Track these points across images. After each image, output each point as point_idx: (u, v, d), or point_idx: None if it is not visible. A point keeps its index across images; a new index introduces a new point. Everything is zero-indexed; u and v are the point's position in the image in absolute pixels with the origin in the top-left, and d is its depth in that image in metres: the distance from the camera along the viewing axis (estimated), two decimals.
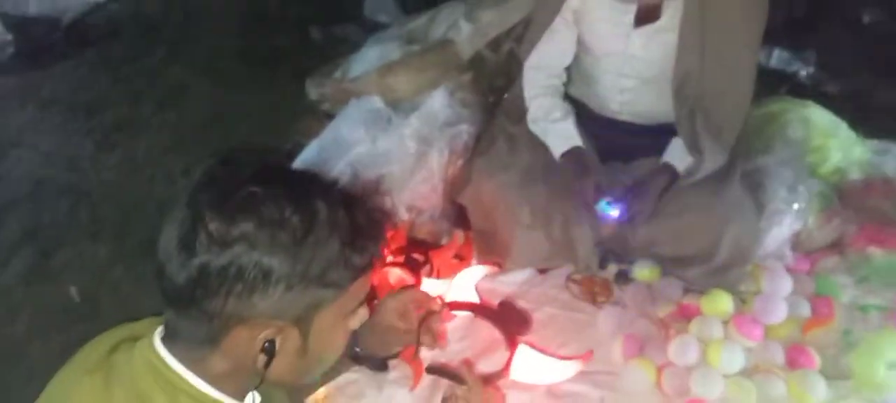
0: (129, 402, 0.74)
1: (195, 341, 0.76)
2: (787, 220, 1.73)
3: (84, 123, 2.72)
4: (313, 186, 0.77)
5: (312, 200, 0.74)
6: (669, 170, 1.69)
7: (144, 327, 0.82)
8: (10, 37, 3.06)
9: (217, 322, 0.73)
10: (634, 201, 1.66)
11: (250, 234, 0.70)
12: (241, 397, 0.83)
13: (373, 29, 2.71)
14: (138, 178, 2.43)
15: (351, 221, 0.75)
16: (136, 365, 0.77)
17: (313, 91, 2.33)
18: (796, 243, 1.77)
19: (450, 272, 1.79)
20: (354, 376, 1.58)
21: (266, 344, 0.75)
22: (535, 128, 1.80)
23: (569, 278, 1.80)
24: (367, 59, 2.25)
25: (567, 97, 1.85)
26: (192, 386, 0.76)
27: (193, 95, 2.81)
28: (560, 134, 1.76)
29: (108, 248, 2.14)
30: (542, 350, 1.59)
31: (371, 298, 1.72)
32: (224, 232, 0.70)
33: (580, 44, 1.76)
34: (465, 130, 1.95)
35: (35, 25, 3.16)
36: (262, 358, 0.76)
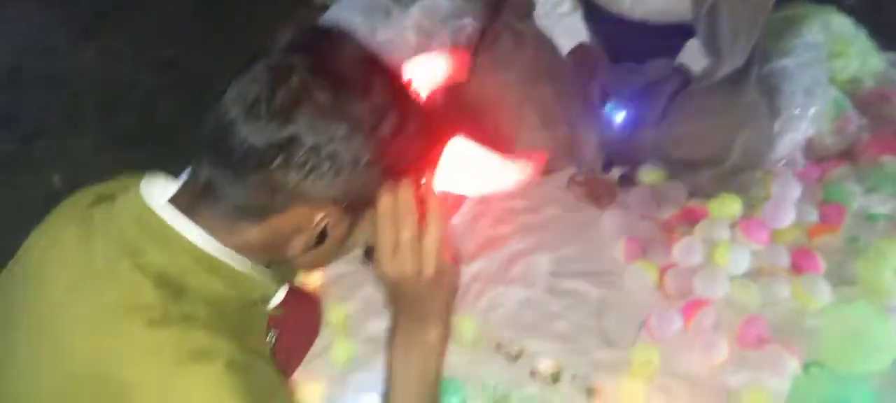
0: (113, 254, 0.69)
1: (241, 208, 0.69)
2: (803, 125, 1.68)
3: (58, 11, 2.58)
4: (410, 87, 0.73)
5: (411, 98, 0.71)
6: (684, 71, 1.62)
7: (117, 186, 0.76)
8: None
9: (281, 196, 0.67)
10: (643, 105, 1.60)
11: (359, 118, 0.65)
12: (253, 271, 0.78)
13: None
14: (121, 67, 2.32)
15: (440, 127, 0.73)
16: (122, 219, 0.71)
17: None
18: (808, 150, 1.73)
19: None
20: (351, 268, 1.54)
21: (322, 226, 0.70)
22: (541, 22, 1.72)
23: (572, 179, 1.75)
24: None
25: None
26: (189, 242, 0.70)
27: None
28: (567, 29, 1.68)
29: (91, 137, 2.06)
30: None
31: None
32: (334, 107, 0.64)
33: None
34: (469, 24, 1.86)
35: None
36: (311, 241, 0.71)
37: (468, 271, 1.55)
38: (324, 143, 0.65)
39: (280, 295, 0.82)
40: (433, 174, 0.76)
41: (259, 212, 0.69)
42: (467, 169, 0.81)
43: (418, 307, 0.78)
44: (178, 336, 0.65)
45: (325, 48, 0.69)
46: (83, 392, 0.66)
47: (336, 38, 0.72)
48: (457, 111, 1.43)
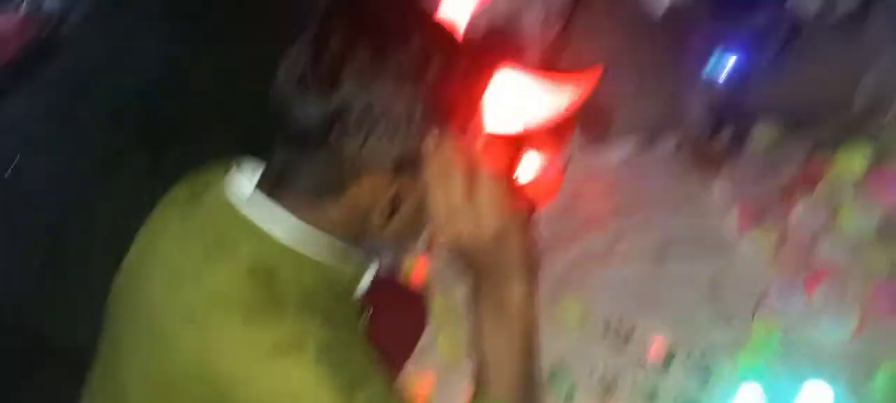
0: (206, 249, 0.70)
1: (317, 186, 0.69)
2: None
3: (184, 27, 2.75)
4: (453, 32, 0.70)
5: (453, 38, 0.68)
6: (794, 17, 1.50)
7: (210, 178, 0.77)
8: None
9: (348, 165, 0.66)
10: (753, 51, 1.49)
11: (400, 70, 0.64)
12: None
13: None
14: (239, 80, 2.44)
15: (490, 68, 0.71)
16: (212, 215, 0.72)
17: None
18: None
19: (547, 147, 1.70)
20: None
21: (394, 196, 0.69)
22: None
23: (678, 146, 1.67)
24: None
25: None
26: (275, 234, 0.70)
27: None
28: None
29: (217, 145, 2.20)
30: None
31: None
32: (375, 65, 0.63)
33: None
34: None
35: None
36: (386, 211, 0.70)
37: (572, 251, 1.53)
38: (374, 102, 0.63)
39: (368, 279, 0.81)
40: (479, 121, 0.72)
41: (335, 188, 0.69)
42: (516, 100, 0.75)
43: (491, 269, 0.70)
44: (270, 329, 0.66)
45: (360, 5, 0.68)
46: (189, 386, 0.68)
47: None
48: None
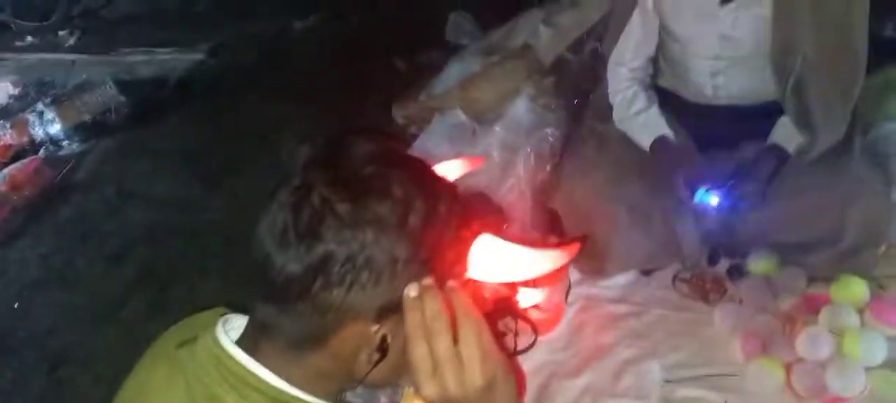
0: (197, 399, 0.69)
1: (296, 340, 0.69)
2: None
3: (191, 169, 2.86)
4: (429, 171, 0.73)
5: (434, 184, 0.70)
6: (778, 151, 1.55)
7: (200, 324, 0.77)
8: (123, 98, 3.28)
9: (331, 316, 0.66)
10: (739, 184, 1.53)
11: (383, 218, 0.64)
12: (333, 398, 0.76)
13: (455, 51, 2.71)
14: (242, 215, 2.49)
15: (469, 209, 0.71)
16: (201, 361, 0.71)
17: (399, 115, 2.34)
18: None
19: (547, 282, 1.71)
20: None
21: (381, 341, 0.68)
22: (621, 125, 1.71)
23: (676, 277, 1.68)
24: (449, 76, 2.25)
25: (658, 89, 1.75)
26: (263, 382, 0.69)
27: (290, 128, 2.89)
28: (645, 125, 1.67)
29: (215, 282, 2.21)
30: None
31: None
32: (355, 215, 0.64)
33: (665, 31, 1.66)
34: (551, 134, 1.88)
35: (145, 86, 3.39)
36: (374, 357, 0.69)
37: (575, 386, 1.50)
38: (356, 252, 0.63)
39: None
40: (460, 273, 0.73)
41: (317, 339, 0.68)
42: (497, 262, 0.75)
43: None
44: None
45: (339, 157, 0.68)
46: None
47: (350, 143, 0.70)
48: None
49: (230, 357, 0.70)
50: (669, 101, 1.72)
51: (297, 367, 0.70)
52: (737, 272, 1.65)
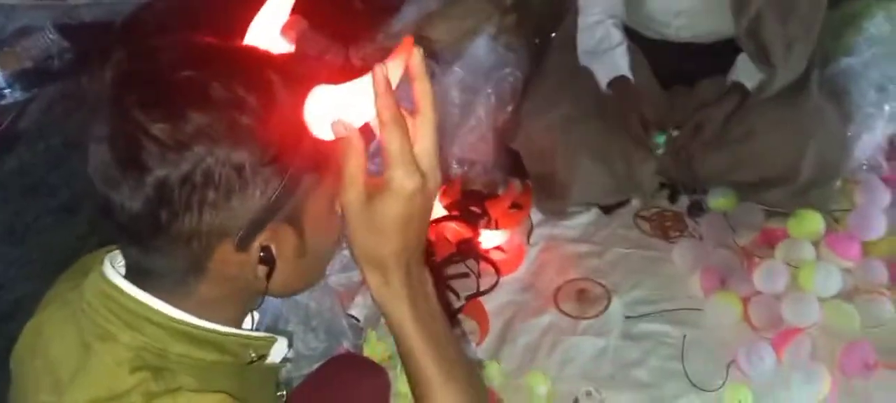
0: (86, 341, 0.64)
1: (175, 275, 0.63)
2: (880, 125, 1.55)
3: None
4: (256, 58, 0.63)
5: (262, 71, 0.60)
6: (738, 88, 1.55)
7: (90, 263, 0.70)
8: (66, 44, 3.13)
9: (196, 243, 0.60)
10: (699, 126, 1.53)
11: (208, 126, 0.56)
12: (239, 321, 0.72)
13: None
14: None
15: (311, 83, 0.60)
16: (89, 299, 0.65)
17: (356, 56, 2.27)
18: (891, 151, 1.60)
19: (508, 223, 1.70)
20: None
21: (262, 253, 0.62)
22: (583, 60, 1.68)
23: (637, 215, 1.68)
24: (407, 15, 2.17)
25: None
26: (159, 313, 0.64)
27: None
28: (606, 63, 1.64)
29: None
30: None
31: (428, 254, 1.69)
32: (175, 133, 0.56)
33: None
34: (511, 73, 1.84)
35: (90, 31, 3.24)
36: (262, 270, 0.63)
37: (537, 325, 1.51)
38: (190, 172, 0.56)
39: (281, 349, 0.75)
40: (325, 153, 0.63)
41: (195, 269, 0.63)
42: (338, 110, 0.66)
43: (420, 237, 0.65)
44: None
45: (148, 69, 0.59)
46: None
47: (158, 49, 0.61)
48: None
49: (120, 292, 0.64)
50: (631, 38, 1.69)
51: (189, 298, 0.65)
52: (696, 209, 1.66)
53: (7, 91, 3.05)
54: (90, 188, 0.60)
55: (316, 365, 1.34)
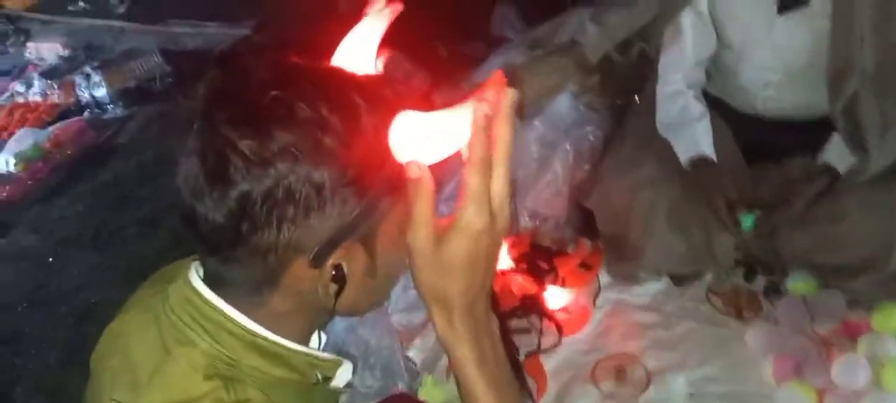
0: (167, 345, 0.67)
1: (250, 285, 0.66)
2: None
3: None
4: (343, 79, 0.65)
5: (348, 94, 0.62)
6: (829, 171, 1.50)
7: (176, 270, 0.74)
8: (168, 68, 3.34)
9: (273, 257, 0.62)
10: (783, 206, 1.48)
11: (292, 145, 0.58)
12: (306, 338, 0.73)
13: (499, 44, 2.67)
14: None
15: (396, 108, 0.63)
16: (173, 304, 0.69)
17: (438, 102, 2.32)
18: None
19: (576, 283, 1.68)
20: None
21: (334, 271, 0.64)
22: (663, 131, 1.66)
23: (710, 290, 1.63)
24: (491, 67, 2.21)
25: (707, 97, 1.70)
26: (237, 323, 0.67)
27: None
28: (686, 138, 1.61)
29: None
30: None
31: (494, 304, 1.68)
32: (261, 149, 0.58)
33: (717, 35, 1.61)
34: (592, 132, 1.84)
35: (190, 57, 3.44)
36: (332, 288, 0.64)
37: (596, 390, 1.47)
38: (273, 188, 0.59)
39: (346, 373, 0.77)
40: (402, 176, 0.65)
41: (269, 281, 0.65)
42: (425, 138, 0.65)
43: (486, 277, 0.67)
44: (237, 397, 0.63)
45: (239, 88, 0.62)
46: None
47: (248, 69, 0.64)
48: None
49: (203, 300, 0.67)
50: (716, 108, 1.67)
51: (260, 310, 0.67)
52: (774, 290, 1.59)
53: (110, 106, 3.26)
54: (175, 203, 0.64)
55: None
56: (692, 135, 1.60)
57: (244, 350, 0.67)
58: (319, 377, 0.73)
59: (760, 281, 1.63)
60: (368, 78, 0.68)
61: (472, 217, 0.62)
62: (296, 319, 0.70)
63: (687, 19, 1.60)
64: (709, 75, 1.70)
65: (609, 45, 2.02)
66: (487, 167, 0.61)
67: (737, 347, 1.51)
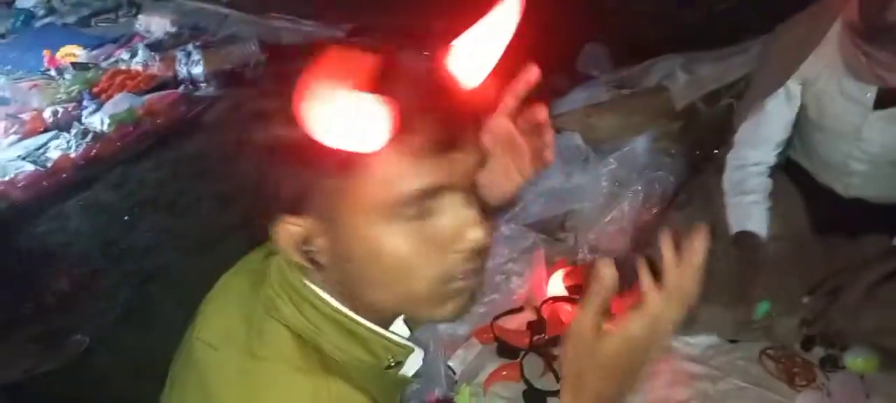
0: (263, 307, 0.71)
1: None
2: None
3: None
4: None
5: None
6: None
7: None
8: (263, 58, 3.49)
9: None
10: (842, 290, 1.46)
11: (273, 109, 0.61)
12: (386, 322, 0.75)
13: (582, 81, 2.68)
14: None
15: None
16: (271, 270, 0.73)
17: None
18: None
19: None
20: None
21: (304, 246, 0.66)
22: (726, 196, 1.63)
23: (764, 352, 1.59)
24: (575, 100, 2.23)
25: (789, 162, 1.67)
26: (319, 297, 0.70)
27: None
28: (741, 211, 1.59)
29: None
30: None
31: (538, 330, 1.67)
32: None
33: (807, 115, 1.56)
34: (664, 177, 1.84)
35: (286, 51, 3.58)
36: (304, 256, 0.66)
37: None
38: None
39: (416, 361, 0.78)
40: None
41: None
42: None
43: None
44: (320, 384, 0.65)
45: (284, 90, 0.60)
46: None
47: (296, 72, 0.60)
48: None
49: (293, 270, 0.70)
50: (796, 177, 1.64)
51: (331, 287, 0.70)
52: (830, 363, 1.54)
53: (203, 85, 3.43)
54: (250, 185, 0.67)
55: None
56: (746, 210, 1.58)
57: (325, 323, 0.70)
58: (391, 361, 0.75)
59: (818, 351, 1.58)
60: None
61: (637, 331, 0.66)
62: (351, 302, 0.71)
63: (773, 101, 1.57)
64: (794, 145, 1.66)
65: (696, 94, 2.02)
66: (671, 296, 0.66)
67: None
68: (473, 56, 0.70)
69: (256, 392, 0.66)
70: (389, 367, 0.75)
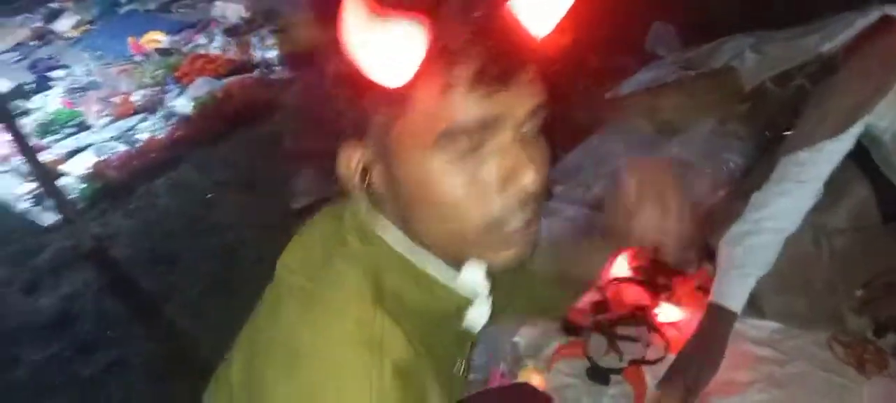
0: (335, 244, 0.73)
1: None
2: None
3: None
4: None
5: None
6: None
7: None
8: None
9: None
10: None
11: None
12: (454, 263, 0.75)
13: (650, 61, 2.65)
14: None
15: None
16: (346, 213, 0.75)
17: (580, 113, 2.35)
18: None
19: (691, 303, 1.67)
20: (572, 381, 1.57)
21: (363, 173, 0.69)
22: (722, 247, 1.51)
23: (834, 337, 1.57)
24: (640, 81, 2.22)
25: (859, 148, 1.60)
26: (383, 233, 0.72)
27: None
28: (725, 282, 1.48)
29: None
30: None
31: (601, 309, 1.70)
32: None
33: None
34: (733, 160, 1.82)
35: None
36: (359, 178, 0.69)
37: None
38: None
39: (481, 313, 0.79)
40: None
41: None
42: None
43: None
44: (367, 311, 0.67)
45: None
46: (272, 349, 0.71)
47: None
48: None
49: (363, 211, 0.73)
50: (869, 167, 1.58)
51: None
52: None
53: (277, 67, 3.55)
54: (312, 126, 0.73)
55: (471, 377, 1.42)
56: (730, 283, 1.47)
57: (387, 261, 0.72)
58: (452, 308, 0.76)
59: (892, 338, 1.55)
60: None
61: None
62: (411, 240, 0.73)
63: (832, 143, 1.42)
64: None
65: (766, 74, 1.97)
66: None
67: (851, 399, 1.45)
68: (540, 4, 0.68)
69: (310, 309, 0.70)
70: (451, 314, 0.76)
